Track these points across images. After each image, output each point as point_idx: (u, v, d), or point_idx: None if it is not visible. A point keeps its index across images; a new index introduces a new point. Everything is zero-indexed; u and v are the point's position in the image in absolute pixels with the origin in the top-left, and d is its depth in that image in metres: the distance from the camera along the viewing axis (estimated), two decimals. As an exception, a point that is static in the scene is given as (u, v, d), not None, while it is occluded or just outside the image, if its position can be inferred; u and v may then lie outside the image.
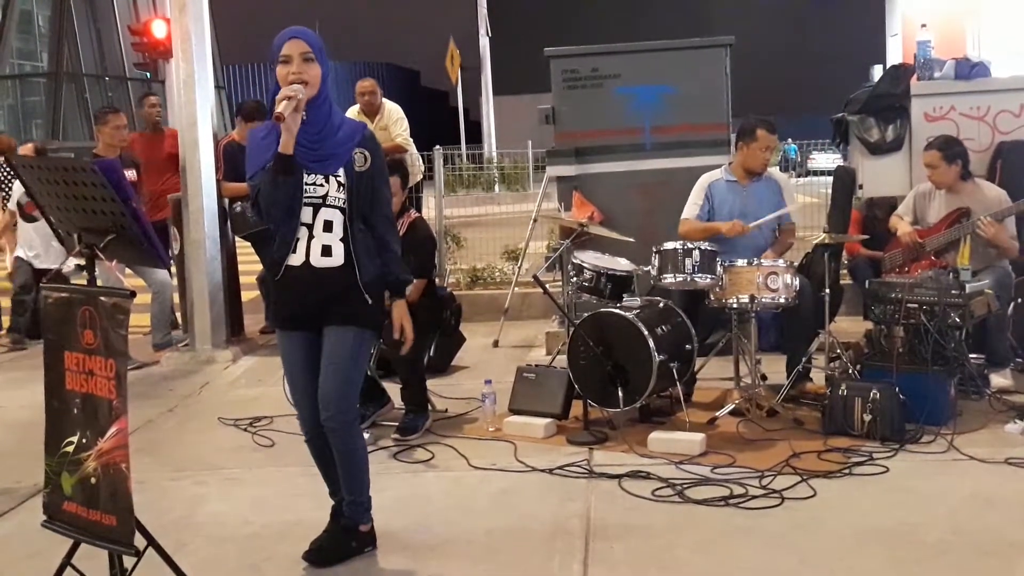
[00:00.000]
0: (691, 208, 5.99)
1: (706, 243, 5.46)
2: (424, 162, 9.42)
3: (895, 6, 15.65)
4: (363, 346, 3.72)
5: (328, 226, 3.59)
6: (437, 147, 9.58)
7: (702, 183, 6.03)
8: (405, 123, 8.45)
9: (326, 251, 3.60)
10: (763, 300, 5.30)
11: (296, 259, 3.61)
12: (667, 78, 7.09)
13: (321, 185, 3.56)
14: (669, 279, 5.40)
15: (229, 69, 40.65)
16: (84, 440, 3.18)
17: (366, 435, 5.23)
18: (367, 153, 3.62)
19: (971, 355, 5.52)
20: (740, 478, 4.49)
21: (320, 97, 3.52)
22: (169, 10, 7.69)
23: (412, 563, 3.82)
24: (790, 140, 14.83)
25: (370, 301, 3.64)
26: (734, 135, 6.24)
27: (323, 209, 3.58)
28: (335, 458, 3.77)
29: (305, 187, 3.56)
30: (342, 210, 3.59)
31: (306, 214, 3.59)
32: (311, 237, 3.60)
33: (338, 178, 3.58)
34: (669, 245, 5.44)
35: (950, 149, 6.00)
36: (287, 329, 3.75)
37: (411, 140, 8.51)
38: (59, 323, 3.27)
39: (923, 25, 7.53)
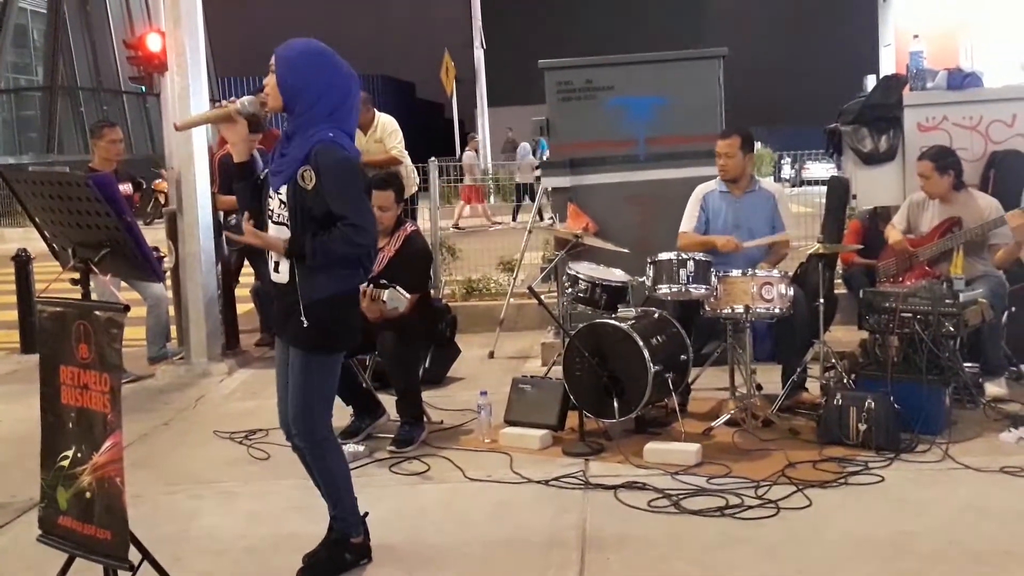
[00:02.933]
0: (688, 221, 6.01)
1: (701, 254, 5.47)
2: (419, 174, 9.44)
3: (888, 17, 15.73)
4: (310, 368, 3.64)
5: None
6: (432, 159, 9.60)
7: (697, 194, 6.05)
8: (400, 135, 8.45)
9: (276, 267, 3.63)
10: (758, 310, 5.31)
11: (270, 271, 3.69)
12: (661, 89, 7.11)
13: (271, 199, 3.61)
14: (664, 290, 5.41)
15: (224, 82, 40.64)
16: (79, 454, 3.19)
17: (360, 447, 5.25)
18: (311, 171, 3.47)
19: (966, 364, 5.53)
20: (736, 488, 4.49)
21: (290, 110, 3.53)
22: (164, 23, 7.70)
23: (408, 574, 3.81)
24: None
25: (306, 323, 3.53)
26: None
27: (271, 225, 3.61)
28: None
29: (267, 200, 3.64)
30: (288, 227, 3.55)
31: (271, 228, 3.62)
32: (270, 252, 3.66)
33: (280, 195, 3.56)
34: (664, 256, 5.45)
35: (943, 160, 6.02)
36: (276, 335, 3.88)
37: (406, 152, 8.53)
38: (54, 337, 3.28)
39: (916, 36, 7.57)
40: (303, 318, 3.54)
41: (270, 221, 3.61)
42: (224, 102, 3.56)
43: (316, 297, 3.55)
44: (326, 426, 3.76)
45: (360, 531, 3.87)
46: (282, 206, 3.56)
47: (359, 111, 3.78)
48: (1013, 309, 6.06)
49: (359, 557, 3.86)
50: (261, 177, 3.71)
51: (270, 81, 3.53)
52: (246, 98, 3.57)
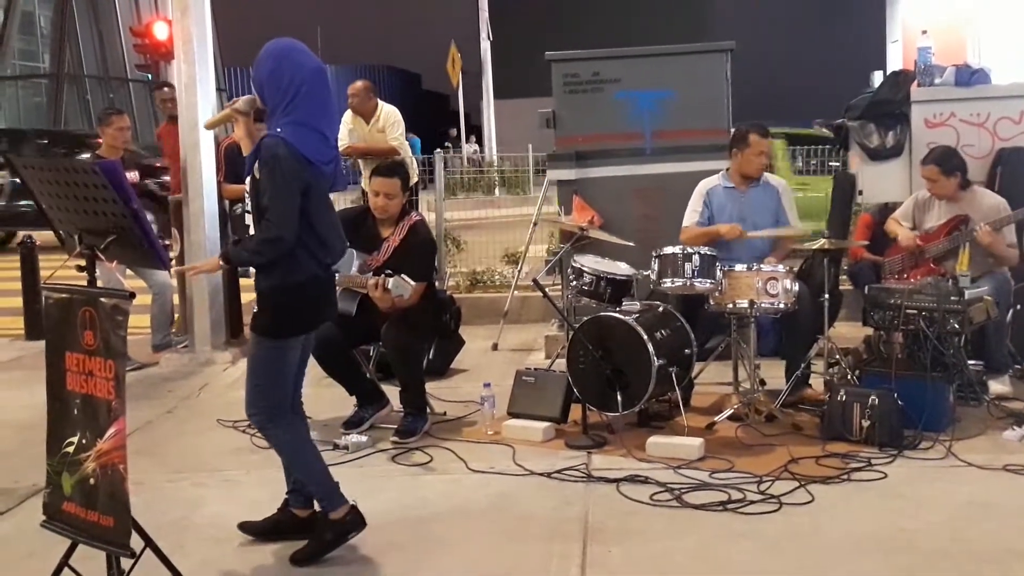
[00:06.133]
0: (691, 215, 6.00)
1: (706, 248, 5.46)
2: (424, 166, 9.44)
3: (896, 13, 15.69)
4: (259, 350, 3.79)
5: (249, 228, 3.81)
6: (438, 150, 9.59)
7: (700, 189, 6.04)
8: (401, 127, 8.47)
9: None
10: (762, 305, 5.30)
11: None
12: (668, 83, 7.08)
13: None
14: (668, 283, 5.41)
15: (230, 71, 40.63)
16: (84, 441, 3.19)
17: (363, 438, 5.26)
18: (259, 167, 3.68)
19: (970, 361, 5.52)
20: (738, 483, 4.49)
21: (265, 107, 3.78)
22: (171, 12, 7.70)
23: (409, 565, 3.82)
24: None
25: (255, 308, 3.76)
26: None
27: (247, 214, 3.82)
28: None
29: None
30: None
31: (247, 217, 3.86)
32: None
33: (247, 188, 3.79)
34: (669, 249, 5.44)
35: (947, 163, 5.99)
36: None
37: (406, 144, 8.54)
38: (60, 323, 3.28)
39: (924, 32, 7.53)
40: (257, 302, 3.77)
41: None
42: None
43: (263, 285, 3.73)
44: (271, 408, 3.81)
45: (338, 506, 3.88)
46: (247, 195, 3.78)
47: (327, 105, 3.79)
48: (1018, 307, 6.05)
49: (343, 532, 3.87)
50: None
51: None
52: (243, 97, 3.87)
